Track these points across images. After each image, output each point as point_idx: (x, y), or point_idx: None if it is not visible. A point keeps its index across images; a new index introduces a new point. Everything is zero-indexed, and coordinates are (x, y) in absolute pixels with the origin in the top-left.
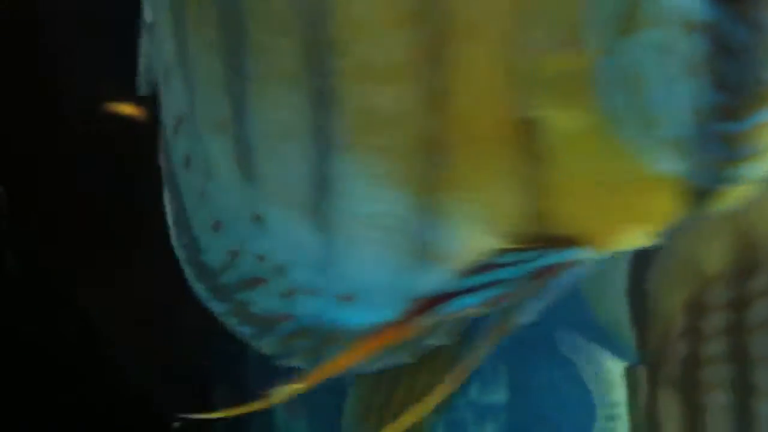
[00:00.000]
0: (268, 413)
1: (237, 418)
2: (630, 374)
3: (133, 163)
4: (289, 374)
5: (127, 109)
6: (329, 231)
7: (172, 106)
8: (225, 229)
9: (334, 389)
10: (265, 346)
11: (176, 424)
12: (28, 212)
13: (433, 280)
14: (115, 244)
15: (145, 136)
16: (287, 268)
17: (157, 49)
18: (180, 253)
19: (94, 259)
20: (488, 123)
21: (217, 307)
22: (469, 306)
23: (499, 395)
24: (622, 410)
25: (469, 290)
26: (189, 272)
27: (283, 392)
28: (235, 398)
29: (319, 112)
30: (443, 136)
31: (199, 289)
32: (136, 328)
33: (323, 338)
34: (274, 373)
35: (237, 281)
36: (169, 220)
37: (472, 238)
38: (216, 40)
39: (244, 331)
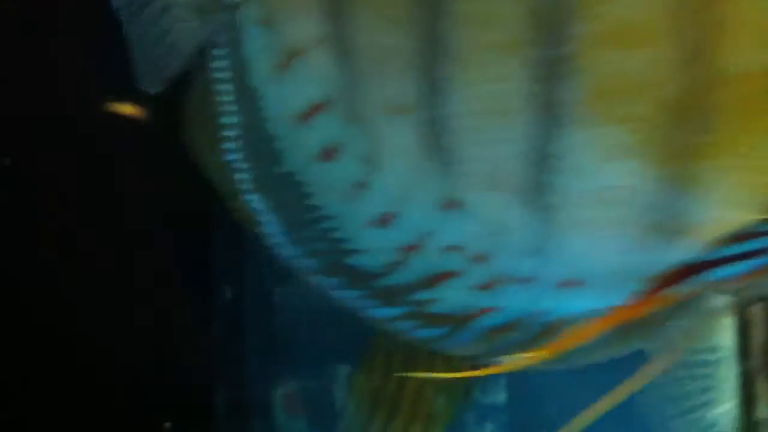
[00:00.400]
0: (268, 412)
1: (239, 416)
2: (742, 313)
3: (133, 163)
4: (289, 379)
5: (127, 108)
6: (549, 212)
7: (296, 93)
8: (398, 222)
9: (334, 388)
10: (457, 347)
11: (167, 425)
12: (29, 208)
13: (677, 254)
14: (115, 243)
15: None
16: (490, 256)
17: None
18: (308, 263)
19: (93, 258)
20: (761, 82)
21: (381, 313)
22: (727, 277)
23: (499, 396)
24: (726, 354)
25: (728, 260)
26: (330, 282)
27: (513, 362)
28: (235, 398)
29: (545, 83)
30: (703, 99)
31: (350, 297)
32: (135, 328)
33: (538, 329)
34: (275, 371)
35: (414, 279)
36: (271, 229)
37: (731, 207)
38: (404, 17)
39: (424, 334)
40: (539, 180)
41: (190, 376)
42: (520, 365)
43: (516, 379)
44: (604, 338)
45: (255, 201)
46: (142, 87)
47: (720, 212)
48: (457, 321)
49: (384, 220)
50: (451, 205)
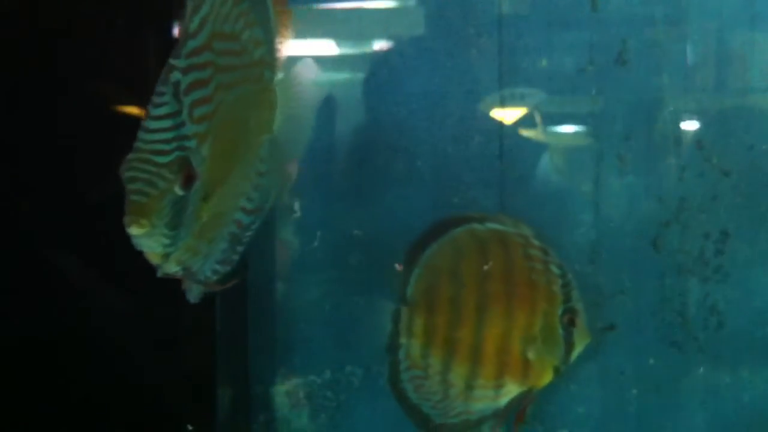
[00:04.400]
0: (270, 407)
1: (241, 411)
2: None
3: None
4: (291, 376)
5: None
6: None
7: None
8: None
9: (335, 383)
10: None
11: (190, 428)
12: (33, 210)
13: None
14: (119, 245)
15: None
16: None
17: None
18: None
19: (98, 260)
20: None
21: None
22: None
23: None
24: None
25: None
26: None
27: None
28: (237, 397)
29: None
30: None
31: None
32: (140, 328)
33: None
34: (276, 372)
35: None
36: None
37: None
38: None
39: None
40: None
41: (194, 376)
42: None
43: None
44: None
45: None
46: None
47: None
48: None
49: None
50: None
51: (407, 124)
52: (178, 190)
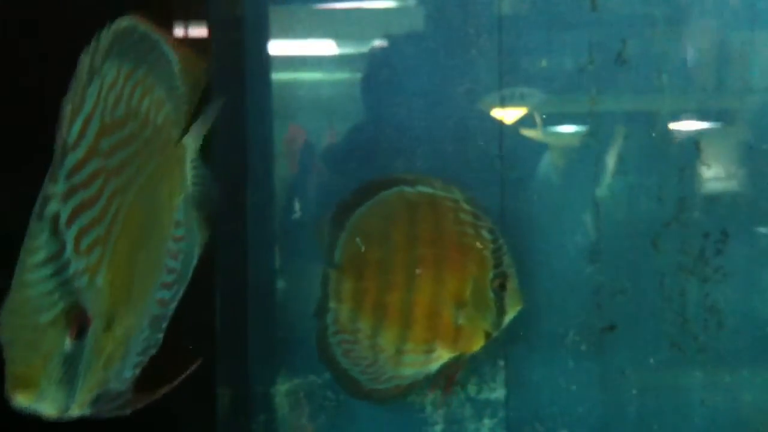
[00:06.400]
0: (270, 407)
1: (241, 411)
2: None
3: None
4: (291, 376)
5: None
6: None
7: None
8: None
9: (335, 383)
10: None
11: None
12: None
13: None
14: None
15: None
16: None
17: None
18: None
19: None
20: None
21: None
22: None
23: (497, 392)
24: None
25: None
26: None
27: None
28: (237, 397)
29: None
30: None
31: None
32: None
33: None
34: (276, 372)
35: None
36: None
37: None
38: None
39: None
40: None
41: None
42: None
43: (514, 375)
44: None
45: None
46: None
47: None
48: None
49: None
50: None
51: (407, 124)
52: (69, 345)
